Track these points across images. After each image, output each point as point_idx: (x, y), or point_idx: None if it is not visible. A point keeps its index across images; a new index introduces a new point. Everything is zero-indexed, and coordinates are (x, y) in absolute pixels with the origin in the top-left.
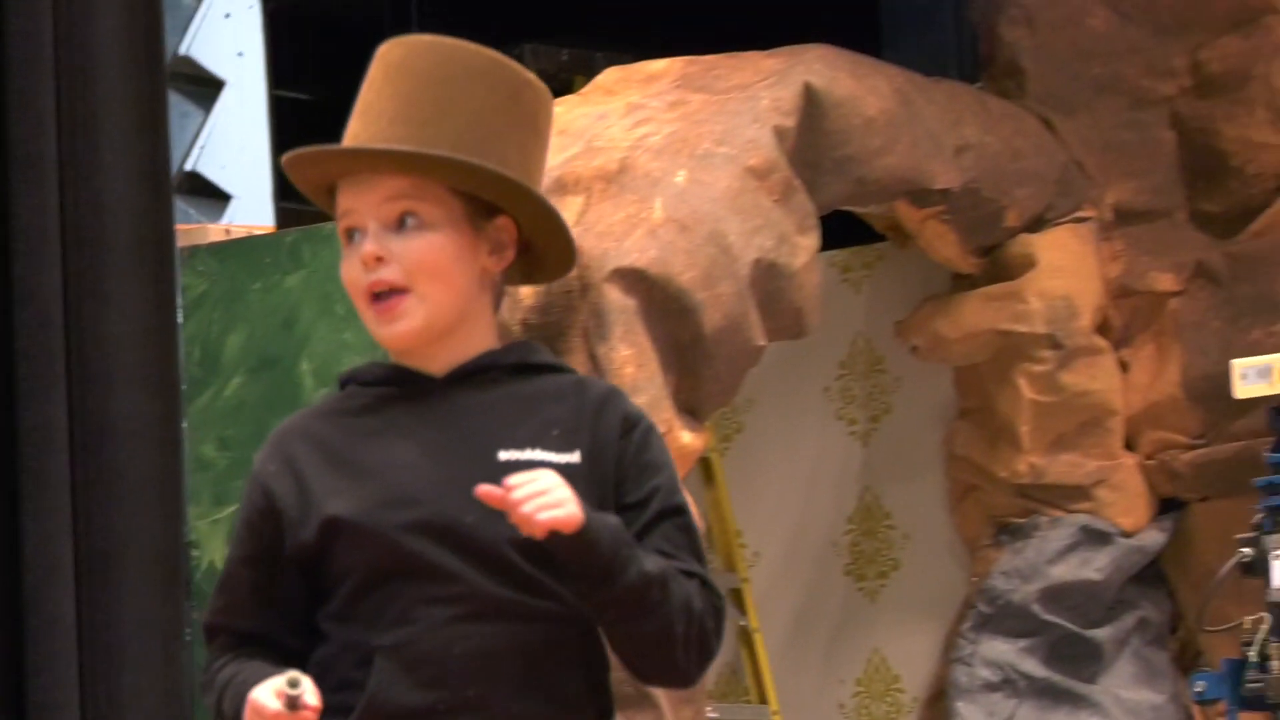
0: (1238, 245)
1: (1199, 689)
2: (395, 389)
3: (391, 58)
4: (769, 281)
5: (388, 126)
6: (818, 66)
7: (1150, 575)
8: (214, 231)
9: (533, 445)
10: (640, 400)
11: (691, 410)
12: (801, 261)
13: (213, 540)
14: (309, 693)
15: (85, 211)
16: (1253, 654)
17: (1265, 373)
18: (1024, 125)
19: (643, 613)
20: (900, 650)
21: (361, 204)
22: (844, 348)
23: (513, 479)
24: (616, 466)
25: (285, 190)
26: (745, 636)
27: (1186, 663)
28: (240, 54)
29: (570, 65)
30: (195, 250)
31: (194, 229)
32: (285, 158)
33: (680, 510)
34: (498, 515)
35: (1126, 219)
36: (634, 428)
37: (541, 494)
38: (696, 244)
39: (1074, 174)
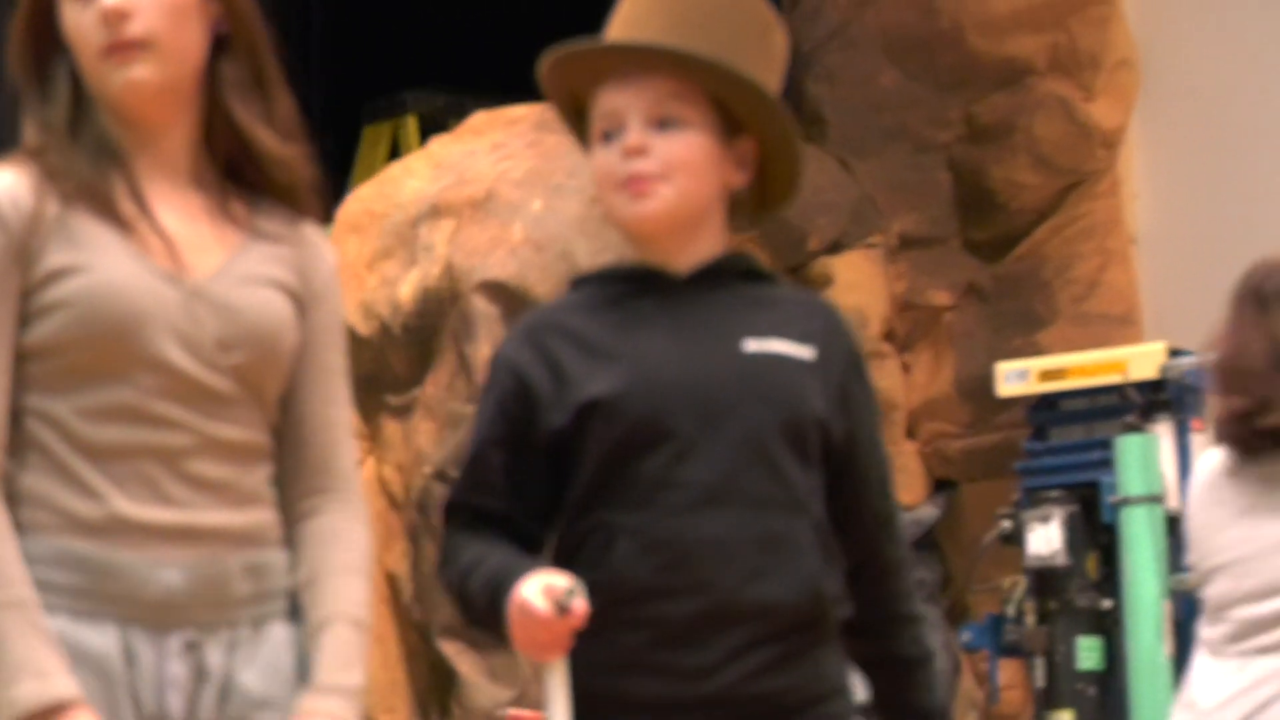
0: (1002, 268)
1: (966, 639)
2: (639, 285)
3: None
4: None
5: (656, 34)
6: None
7: (926, 543)
8: None
9: (774, 336)
10: None
11: None
12: None
13: None
14: (579, 600)
15: None
16: (1010, 610)
17: (1024, 375)
18: (825, 165)
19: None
20: None
21: (628, 102)
22: None
23: None
24: (845, 382)
25: None
26: None
27: (956, 617)
28: None
29: (446, 109)
30: None
31: None
32: (551, 56)
33: (880, 441)
34: (758, 399)
35: (909, 245)
36: (860, 363)
37: None
38: (549, 261)
39: (866, 207)
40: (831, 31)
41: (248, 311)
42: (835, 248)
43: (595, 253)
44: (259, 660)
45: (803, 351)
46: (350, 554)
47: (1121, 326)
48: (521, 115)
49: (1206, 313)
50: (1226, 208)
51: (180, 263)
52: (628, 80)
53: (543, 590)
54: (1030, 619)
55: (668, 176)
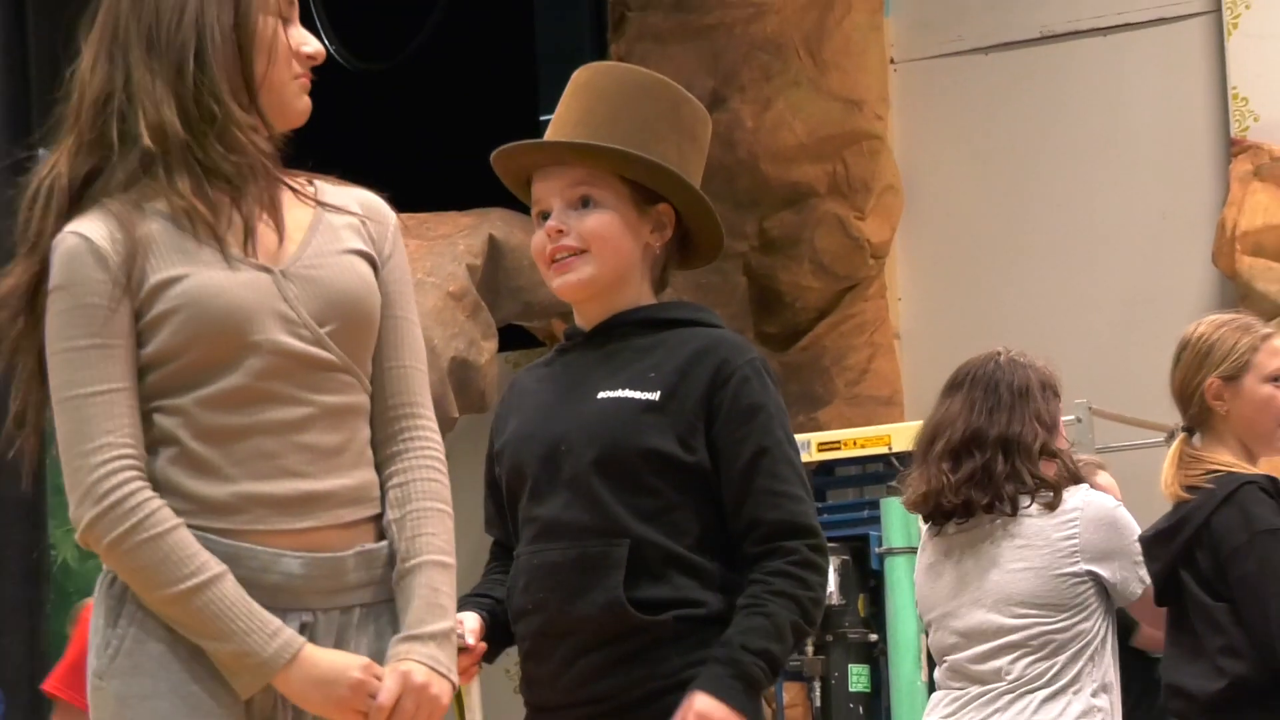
0: (789, 356)
1: None
2: (568, 342)
3: (579, 79)
4: (462, 372)
5: (570, 130)
6: (498, 223)
7: None
8: None
9: (624, 384)
10: None
11: None
12: (485, 359)
13: (65, 544)
14: (466, 634)
15: None
16: None
17: (806, 446)
18: None
19: (788, 656)
20: None
21: (550, 190)
22: None
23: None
24: (709, 408)
25: None
26: None
27: None
28: None
29: None
30: None
31: None
32: (493, 153)
33: (772, 447)
34: (586, 442)
35: None
36: (730, 376)
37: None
38: None
39: None
40: None
41: (335, 282)
42: None
43: (449, 338)
44: (367, 638)
45: (646, 394)
46: (427, 498)
47: (887, 407)
48: None
49: None
50: (974, 309)
51: (267, 251)
52: (549, 171)
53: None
54: (809, 649)
55: (585, 250)
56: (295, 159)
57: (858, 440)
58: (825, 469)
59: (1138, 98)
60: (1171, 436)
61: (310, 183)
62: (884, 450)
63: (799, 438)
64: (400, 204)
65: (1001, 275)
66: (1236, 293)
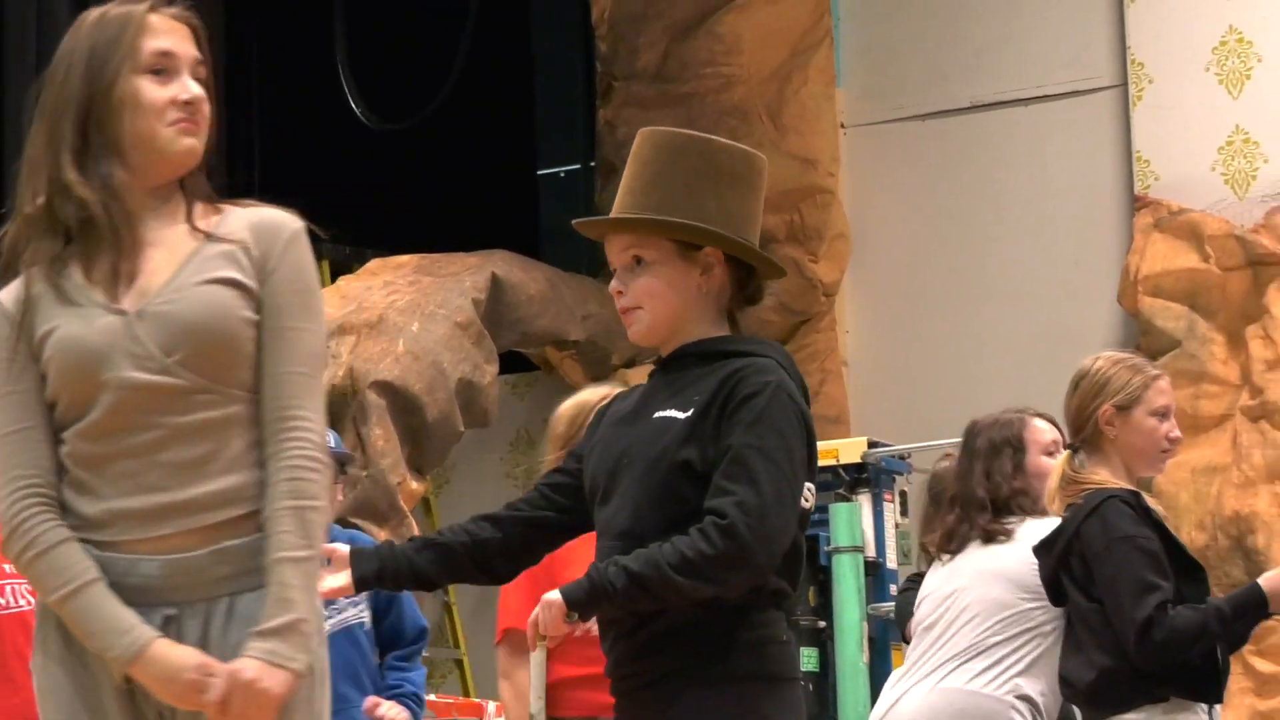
0: None
1: None
2: (653, 371)
3: (634, 146)
4: (467, 392)
5: (623, 199)
6: (500, 263)
7: None
8: None
9: (673, 407)
10: (384, 463)
11: (418, 468)
12: (487, 380)
13: None
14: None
15: None
16: None
17: None
18: None
19: (651, 594)
20: None
21: (611, 254)
22: (511, 434)
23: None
24: (718, 423)
25: None
26: (447, 610)
27: None
28: None
29: (350, 256)
30: None
31: None
32: (575, 223)
33: (736, 448)
34: (639, 456)
35: None
36: (744, 397)
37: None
38: (424, 368)
39: None
40: None
41: (186, 314)
42: (631, 363)
43: (456, 362)
44: (234, 624)
45: (684, 413)
46: (288, 497)
47: (835, 425)
48: (405, 261)
49: (896, 417)
50: (913, 342)
51: (138, 290)
52: (609, 239)
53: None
54: None
55: (641, 305)
56: (286, 199)
57: None
58: None
59: (1054, 159)
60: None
61: (218, 210)
62: (833, 462)
63: None
64: (415, 245)
65: (936, 312)
66: (1139, 328)
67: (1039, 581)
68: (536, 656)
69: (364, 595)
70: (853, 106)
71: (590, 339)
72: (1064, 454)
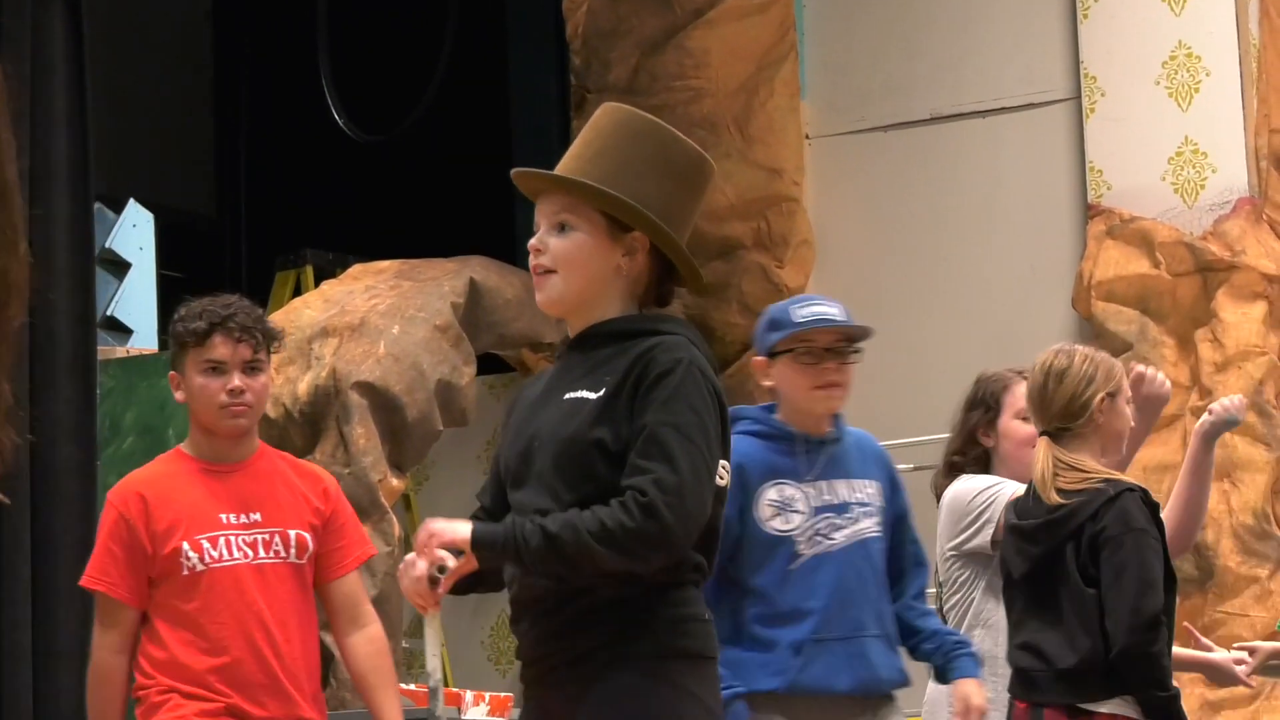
0: (720, 382)
1: None
2: (561, 351)
3: (594, 117)
4: (446, 392)
5: (568, 162)
6: (478, 268)
7: None
8: (119, 351)
9: (584, 388)
10: (365, 460)
11: (398, 466)
12: (465, 381)
13: None
14: (445, 580)
15: (44, 340)
16: None
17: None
18: None
19: (563, 559)
20: None
21: (541, 212)
22: (489, 432)
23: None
24: (635, 400)
25: (164, 328)
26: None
27: None
28: (140, 248)
29: (333, 262)
30: (108, 362)
31: (108, 350)
32: (512, 172)
33: (651, 426)
34: (549, 438)
35: None
36: (657, 375)
37: (434, 534)
38: (404, 369)
39: None
40: None
41: None
42: None
43: (436, 363)
44: None
45: (595, 393)
46: None
47: None
48: (386, 267)
49: (857, 416)
50: (874, 344)
51: None
52: (544, 196)
53: (433, 554)
54: None
55: (556, 269)
56: (272, 208)
57: None
58: None
59: (1011, 169)
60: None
61: None
62: None
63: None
64: (397, 251)
65: (897, 316)
66: (1092, 332)
67: (948, 569)
68: (433, 619)
69: (877, 505)
70: (817, 118)
71: (565, 340)
72: (1043, 440)
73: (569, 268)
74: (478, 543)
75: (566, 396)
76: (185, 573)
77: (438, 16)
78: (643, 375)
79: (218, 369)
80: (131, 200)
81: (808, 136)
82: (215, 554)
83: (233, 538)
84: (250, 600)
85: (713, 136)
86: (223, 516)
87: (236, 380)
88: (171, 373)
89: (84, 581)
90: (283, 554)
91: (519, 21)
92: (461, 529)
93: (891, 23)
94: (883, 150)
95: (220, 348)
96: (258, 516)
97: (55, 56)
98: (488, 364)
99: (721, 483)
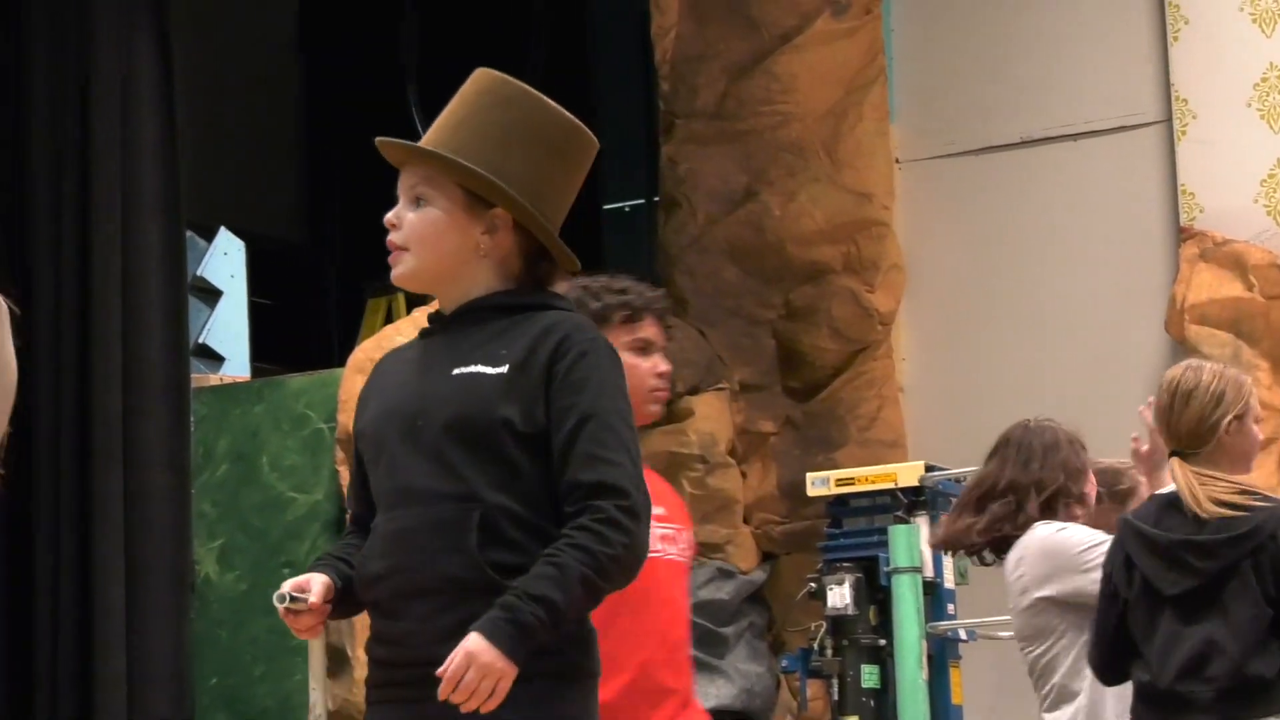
0: (809, 407)
1: (784, 665)
2: (431, 325)
3: (464, 84)
4: None
5: (432, 133)
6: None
7: (757, 597)
8: (213, 379)
9: (478, 363)
10: None
11: None
12: None
13: (207, 560)
14: (283, 605)
15: (138, 367)
16: (815, 645)
17: (825, 481)
18: (686, 333)
19: (581, 612)
20: None
21: (401, 185)
22: None
23: (448, 674)
24: (548, 379)
25: (256, 355)
26: None
27: (777, 649)
28: (232, 276)
29: None
30: (201, 390)
31: (201, 377)
32: (376, 140)
33: (599, 415)
34: (440, 413)
35: (746, 390)
36: (568, 350)
37: (477, 688)
38: None
39: (715, 363)
40: (691, 241)
41: None
42: (694, 390)
43: None
44: None
45: (497, 369)
46: None
47: (893, 449)
48: None
49: (951, 441)
50: (966, 368)
51: None
52: (404, 168)
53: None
54: (829, 651)
55: (409, 246)
56: (369, 238)
57: (869, 477)
58: (841, 501)
59: (1102, 192)
60: None
61: None
62: (891, 485)
63: (819, 474)
64: None
65: (988, 339)
66: (1185, 355)
67: (1035, 619)
68: (319, 640)
69: None
70: (906, 142)
71: None
72: (1175, 460)
73: (421, 244)
74: (501, 652)
75: (456, 371)
76: None
77: (525, 43)
78: (557, 353)
79: (646, 349)
80: (222, 228)
81: (897, 160)
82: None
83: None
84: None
85: (801, 161)
86: None
87: (664, 364)
88: None
89: None
90: (685, 554)
91: (605, 47)
92: (501, 669)
93: (981, 46)
94: (973, 174)
95: (650, 328)
96: (662, 510)
97: (146, 87)
98: None
99: None
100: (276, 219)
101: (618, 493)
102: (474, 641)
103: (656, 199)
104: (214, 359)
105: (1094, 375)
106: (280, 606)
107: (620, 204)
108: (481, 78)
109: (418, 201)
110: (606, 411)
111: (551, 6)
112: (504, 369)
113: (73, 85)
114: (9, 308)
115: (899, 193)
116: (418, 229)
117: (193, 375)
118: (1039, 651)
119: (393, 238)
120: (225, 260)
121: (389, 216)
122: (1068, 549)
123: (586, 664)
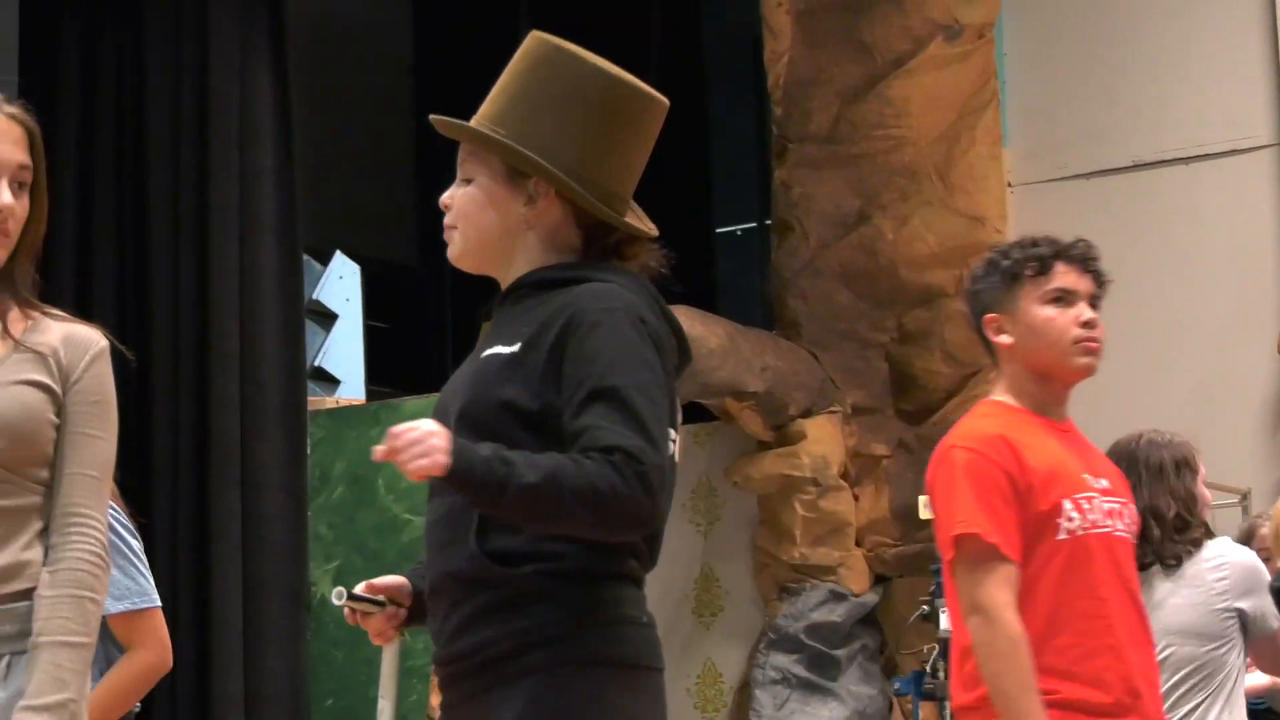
0: (923, 430)
1: (896, 687)
2: (489, 310)
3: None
4: None
5: (478, 116)
6: (681, 318)
7: (869, 619)
8: (329, 402)
9: (499, 343)
10: None
11: None
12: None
13: (323, 582)
14: (360, 613)
15: (254, 390)
16: (928, 667)
17: None
18: (799, 356)
19: (538, 514)
20: (723, 659)
21: (458, 163)
22: (694, 481)
23: (396, 429)
24: (559, 356)
25: (371, 378)
26: None
27: (890, 671)
28: (347, 299)
29: None
30: (317, 412)
31: (317, 400)
32: (431, 118)
33: (613, 390)
34: (457, 400)
35: (859, 413)
36: (579, 325)
37: (414, 444)
38: None
39: (828, 385)
40: (804, 265)
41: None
42: (807, 413)
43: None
44: (11, 685)
45: (510, 349)
46: (66, 586)
47: None
48: None
49: None
50: (1078, 391)
51: None
52: (460, 145)
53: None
54: (941, 674)
55: (457, 225)
56: None
57: None
58: None
59: (1214, 215)
60: (1245, 497)
61: (30, 317)
62: None
63: None
64: None
65: (1101, 362)
66: None
67: (1222, 621)
68: (390, 647)
69: None
70: (1019, 166)
71: (768, 390)
72: None
73: (465, 221)
74: (455, 477)
75: (483, 355)
76: (1063, 535)
77: (637, 67)
78: (569, 327)
79: (1063, 299)
80: (338, 252)
81: (1010, 184)
82: (1092, 518)
83: (1100, 502)
84: (1127, 577)
85: (914, 185)
86: (1086, 478)
87: (1087, 312)
88: (989, 315)
89: (959, 529)
90: (1131, 530)
91: (718, 72)
92: (439, 446)
93: (1092, 69)
94: (1085, 197)
95: (1066, 275)
96: (1105, 483)
97: (262, 113)
98: (692, 413)
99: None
100: (391, 242)
101: (629, 454)
102: (439, 429)
103: (769, 222)
104: (330, 382)
105: (1204, 396)
106: (338, 603)
107: (733, 227)
108: (526, 42)
109: (464, 181)
110: (618, 386)
111: (665, 31)
112: (515, 348)
113: (191, 111)
114: (124, 353)
115: (1011, 216)
116: (461, 206)
117: (309, 398)
118: (1209, 649)
119: (446, 219)
120: (341, 284)
121: (443, 198)
122: (1265, 576)
123: (622, 654)
